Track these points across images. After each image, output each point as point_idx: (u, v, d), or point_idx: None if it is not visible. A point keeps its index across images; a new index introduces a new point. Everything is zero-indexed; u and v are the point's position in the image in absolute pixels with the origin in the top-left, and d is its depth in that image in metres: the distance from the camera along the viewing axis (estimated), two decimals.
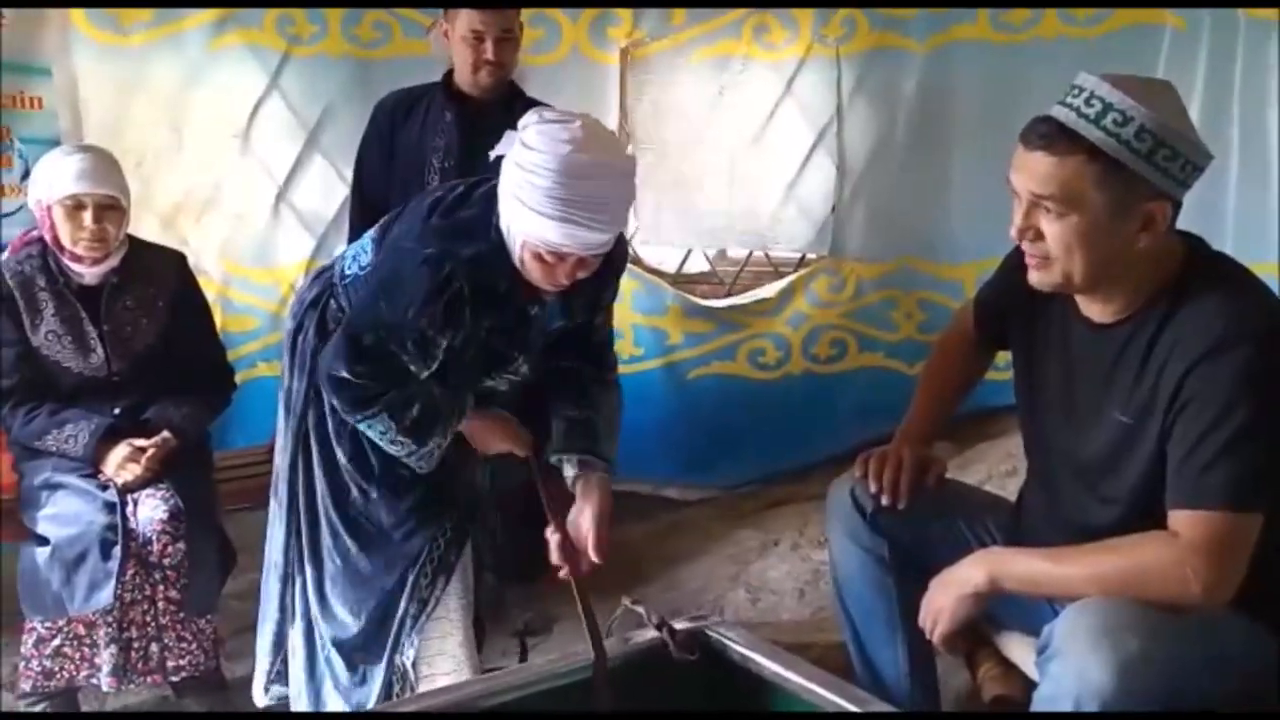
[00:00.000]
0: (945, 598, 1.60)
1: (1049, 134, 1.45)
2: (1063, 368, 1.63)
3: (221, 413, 2.62)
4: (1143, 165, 1.42)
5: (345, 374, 1.81)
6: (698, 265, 3.97)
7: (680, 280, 3.88)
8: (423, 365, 1.82)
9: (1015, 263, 1.65)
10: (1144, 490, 1.50)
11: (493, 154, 1.75)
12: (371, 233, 1.98)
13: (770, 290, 3.80)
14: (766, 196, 3.78)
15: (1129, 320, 1.54)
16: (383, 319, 1.79)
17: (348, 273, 1.98)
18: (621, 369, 3.63)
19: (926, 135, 3.68)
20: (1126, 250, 1.47)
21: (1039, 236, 1.50)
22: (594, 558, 1.89)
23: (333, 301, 1.99)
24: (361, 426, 1.88)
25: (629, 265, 3.69)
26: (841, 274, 3.77)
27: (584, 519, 1.91)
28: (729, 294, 3.87)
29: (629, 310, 3.70)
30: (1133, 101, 1.41)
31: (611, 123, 3.60)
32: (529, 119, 1.72)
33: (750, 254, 3.91)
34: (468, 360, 1.85)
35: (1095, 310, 1.58)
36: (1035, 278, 1.55)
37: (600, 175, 1.68)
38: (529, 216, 1.69)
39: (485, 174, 1.85)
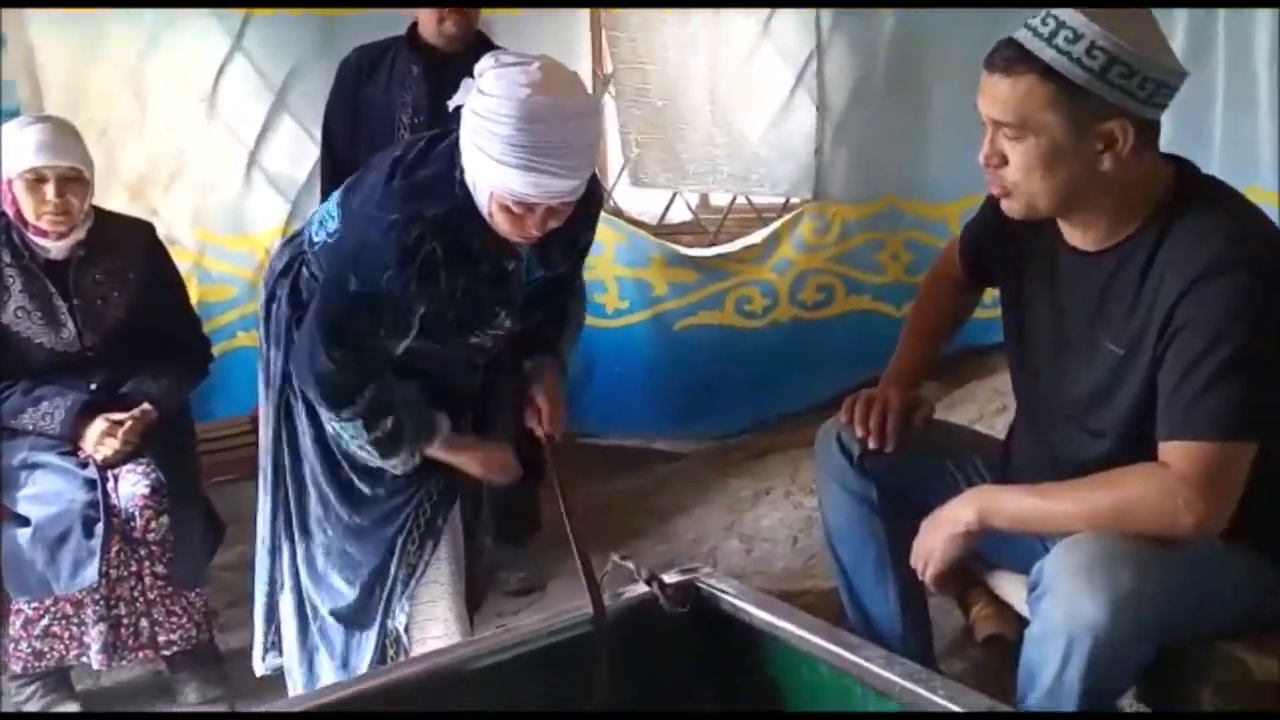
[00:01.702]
0: (935, 538, 1.58)
1: (1009, 57, 1.42)
2: (1051, 299, 1.60)
3: (199, 383, 2.58)
4: (1096, 83, 1.38)
5: (323, 361, 1.77)
6: (681, 215, 3.91)
7: (663, 230, 3.83)
8: (400, 337, 1.77)
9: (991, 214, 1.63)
10: (1136, 422, 1.48)
11: (452, 103, 1.69)
12: (336, 196, 1.93)
13: (756, 237, 3.76)
14: (748, 139, 3.72)
15: (1118, 248, 1.50)
16: (355, 293, 1.74)
17: (316, 239, 1.93)
18: (608, 322, 3.70)
19: (907, 73, 3.62)
20: (1090, 172, 1.44)
21: (1004, 163, 1.47)
22: (548, 429, 1.94)
23: (304, 269, 1.94)
24: (333, 426, 1.86)
25: (611, 217, 3.69)
26: (826, 217, 3.72)
27: (546, 394, 1.97)
28: (714, 242, 3.82)
29: (612, 263, 3.66)
30: (1084, 19, 1.37)
31: (585, 69, 3.53)
32: (485, 64, 1.66)
33: (734, 200, 3.86)
34: (449, 322, 1.81)
35: (1080, 238, 1.54)
36: (1005, 206, 1.53)
37: (562, 118, 1.63)
38: (492, 167, 1.64)
39: (453, 127, 1.80)
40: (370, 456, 1.88)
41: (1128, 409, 1.49)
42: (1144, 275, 1.46)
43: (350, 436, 1.85)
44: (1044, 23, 1.40)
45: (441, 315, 1.78)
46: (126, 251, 2.45)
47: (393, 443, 1.86)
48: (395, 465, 1.90)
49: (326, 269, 1.86)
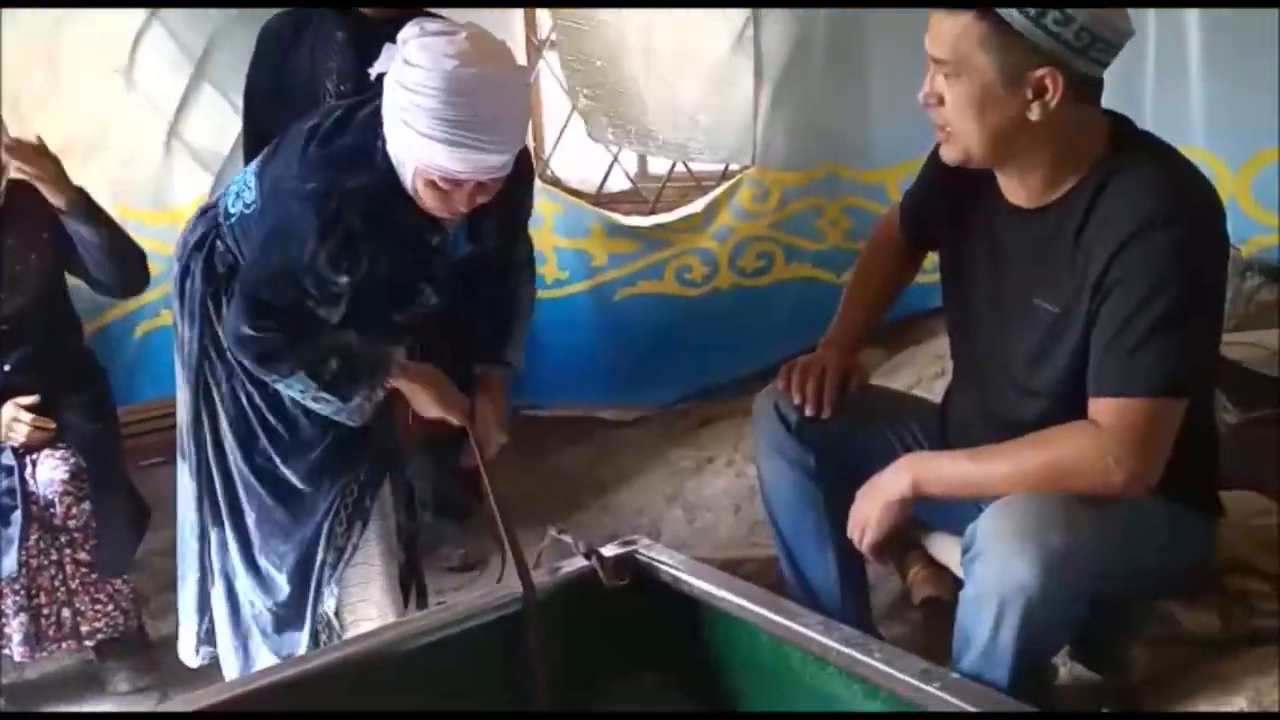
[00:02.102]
0: (871, 506, 1.58)
1: None
2: (990, 257, 1.59)
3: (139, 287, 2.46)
4: (1030, 27, 1.37)
5: (248, 330, 1.71)
6: (619, 184, 3.87)
7: (602, 200, 3.78)
8: (330, 308, 1.72)
9: (935, 154, 1.61)
10: (1072, 382, 1.47)
11: (374, 70, 1.63)
12: (252, 166, 1.86)
13: (695, 206, 3.72)
14: (685, 105, 3.67)
15: (1055, 205, 1.49)
16: (277, 268, 1.68)
17: (232, 211, 1.86)
18: (547, 293, 3.65)
19: (847, 38, 3.58)
20: (1019, 120, 1.42)
21: (940, 103, 1.46)
22: (502, 439, 1.91)
23: (219, 243, 1.87)
24: (280, 387, 1.79)
25: (550, 188, 3.64)
26: (765, 184, 3.69)
27: (488, 411, 1.92)
28: (653, 211, 3.78)
29: (551, 234, 3.61)
30: None
31: (519, 36, 3.46)
32: (409, 32, 1.60)
33: (673, 168, 3.82)
34: (370, 297, 1.75)
35: (1017, 194, 1.53)
36: (943, 152, 1.52)
37: (491, 91, 1.57)
38: (418, 142, 1.58)
39: (373, 95, 1.74)
40: (327, 407, 1.79)
41: (1064, 368, 1.48)
42: (1079, 232, 1.45)
43: (300, 392, 1.78)
44: None
45: (363, 291, 1.72)
46: (40, 214, 2.32)
47: (348, 382, 1.78)
48: (357, 409, 1.81)
49: (250, 243, 1.79)
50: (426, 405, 1.85)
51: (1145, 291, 1.38)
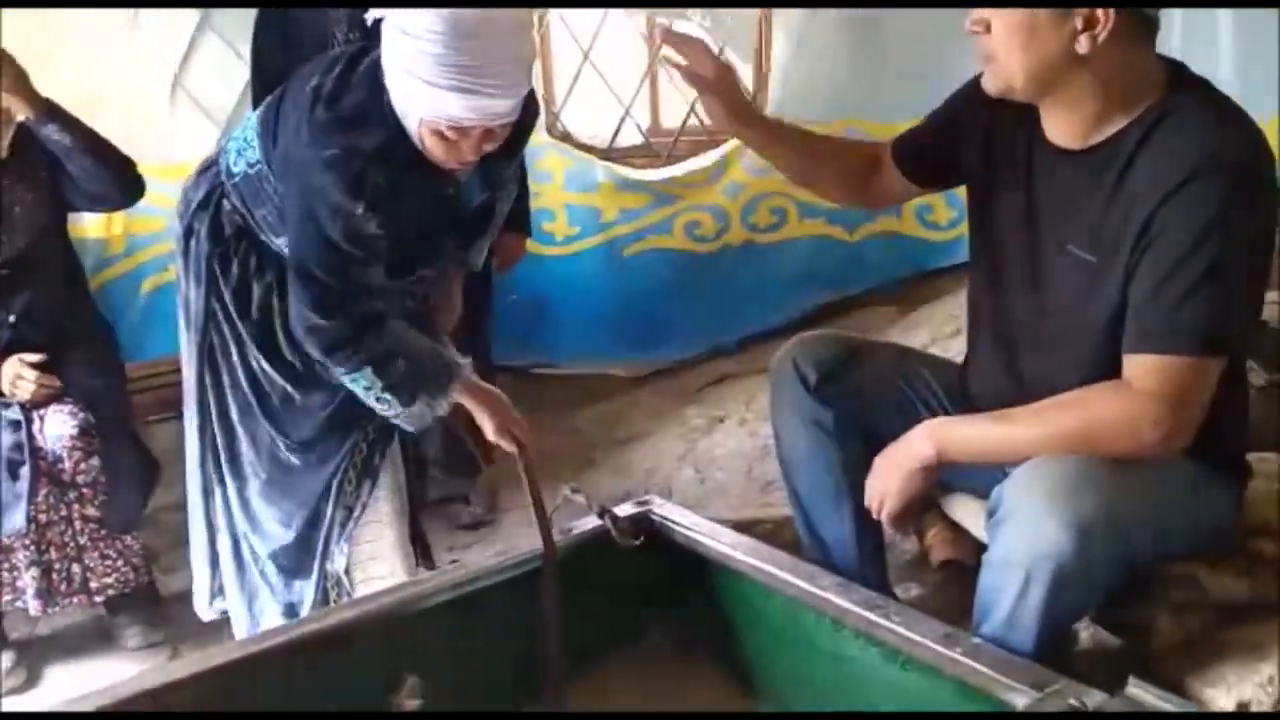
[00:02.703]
0: (891, 475, 1.53)
1: None
2: (1025, 200, 1.53)
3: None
4: None
5: (316, 319, 1.68)
6: (632, 138, 3.81)
7: (613, 154, 3.72)
8: (375, 266, 1.68)
9: (967, 90, 1.56)
10: (1105, 336, 1.42)
11: (370, 16, 1.58)
12: (253, 124, 1.81)
13: (707, 159, 3.67)
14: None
15: (1099, 149, 1.44)
16: (318, 241, 1.64)
17: (235, 169, 1.81)
18: (557, 250, 3.61)
19: (860, 31, 3.51)
20: (1066, 53, 1.37)
21: (988, 30, 1.42)
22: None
23: (225, 201, 1.83)
24: (346, 381, 1.75)
25: (560, 143, 3.58)
26: None
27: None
28: (666, 165, 3.72)
29: (561, 189, 3.57)
30: None
31: None
32: None
33: (685, 122, 3.76)
34: (397, 252, 1.71)
35: (1060, 133, 1.48)
36: (985, 81, 1.47)
37: (495, 31, 1.52)
38: (423, 90, 1.53)
39: (371, 44, 1.68)
40: (389, 409, 1.77)
41: (1097, 322, 1.43)
42: (1122, 178, 1.40)
43: (365, 388, 1.75)
44: None
45: (391, 246, 1.68)
46: (34, 153, 2.27)
47: (412, 386, 1.74)
48: (418, 415, 1.78)
49: (288, 229, 1.73)
50: (488, 427, 1.81)
51: (1189, 244, 1.33)
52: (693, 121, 3.73)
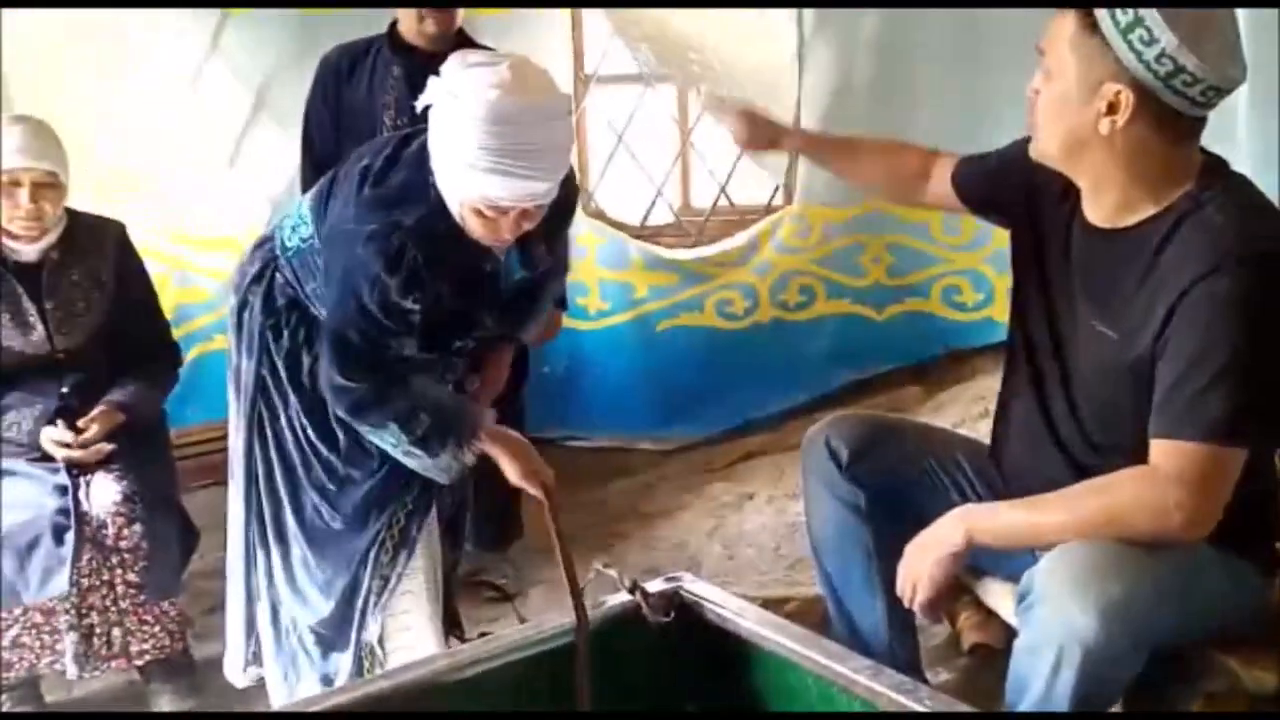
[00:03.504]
0: (923, 562, 1.54)
1: None
2: (1060, 271, 1.58)
3: (170, 388, 2.53)
4: (1115, 35, 1.37)
5: (341, 380, 1.75)
6: (663, 216, 3.89)
7: (645, 232, 3.81)
8: (409, 339, 1.75)
9: (1025, 147, 1.61)
10: (1130, 410, 1.46)
11: (419, 103, 1.66)
12: (307, 200, 1.89)
13: (737, 239, 3.74)
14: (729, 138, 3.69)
15: (1129, 231, 1.48)
16: (354, 311, 1.71)
17: (289, 244, 1.89)
18: (589, 324, 3.68)
19: (890, 76, 3.60)
20: (1089, 132, 1.43)
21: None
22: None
23: (278, 275, 1.90)
24: (373, 438, 1.82)
25: (593, 220, 3.67)
26: (807, 220, 3.71)
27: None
28: (696, 244, 3.80)
29: (594, 265, 3.64)
30: None
31: (566, 71, 3.50)
32: (452, 63, 1.63)
33: (715, 202, 3.84)
34: (433, 326, 1.77)
35: (1093, 210, 1.53)
36: (1030, 147, 1.55)
37: (533, 120, 1.59)
38: (463, 171, 1.61)
39: (423, 127, 1.76)
40: (416, 462, 1.83)
41: (1121, 396, 1.47)
42: (1150, 266, 1.44)
43: (392, 445, 1.81)
44: None
45: (428, 321, 1.74)
46: (101, 252, 2.40)
47: (438, 437, 1.80)
48: (446, 467, 1.84)
49: (313, 279, 1.81)
50: (512, 473, 1.85)
51: (1210, 337, 1.36)
52: (723, 202, 3.82)
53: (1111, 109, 1.41)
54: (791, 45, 3.57)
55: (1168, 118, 1.41)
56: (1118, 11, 1.37)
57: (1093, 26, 1.39)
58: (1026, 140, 1.63)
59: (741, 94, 3.56)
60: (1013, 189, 1.68)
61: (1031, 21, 1.57)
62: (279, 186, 3.26)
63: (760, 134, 2.00)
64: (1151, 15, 1.35)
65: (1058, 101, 1.45)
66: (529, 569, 2.81)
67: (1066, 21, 1.43)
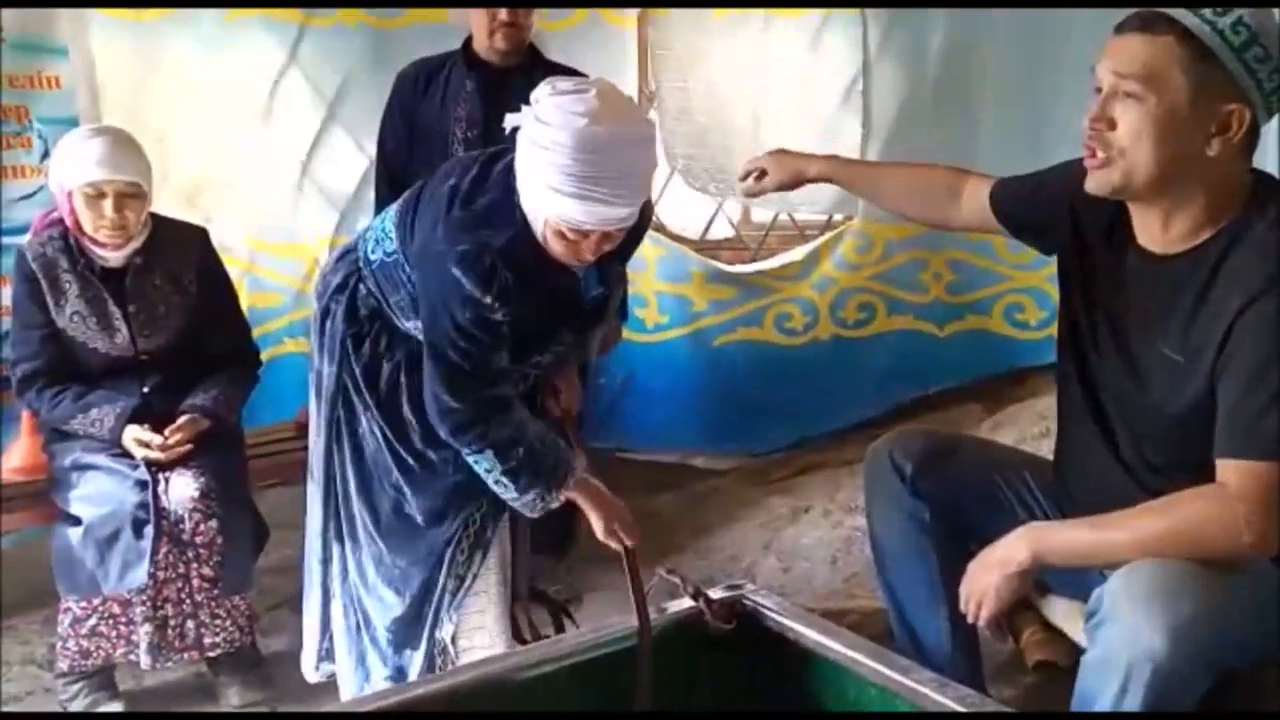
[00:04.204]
0: (988, 579, 1.54)
1: (1147, 18, 1.42)
2: (1114, 302, 1.58)
3: (251, 390, 2.61)
4: (1232, 58, 1.37)
5: (450, 401, 1.79)
6: (723, 230, 3.92)
7: (705, 246, 3.83)
8: (502, 351, 1.79)
9: (1066, 173, 1.59)
10: (1198, 428, 1.45)
11: (508, 124, 1.70)
12: (392, 215, 1.94)
13: (797, 254, 3.75)
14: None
15: (1185, 255, 1.48)
16: (451, 329, 1.75)
17: (372, 257, 1.94)
18: (647, 337, 3.70)
19: (954, 92, 3.61)
20: (1196, 153, 1.42)
21: (1111, 127, 1.45)
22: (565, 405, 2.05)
23: (361, 286, 1.96)
24: (470, 460, 1.86)
25: (653, 233, 3.69)
26: (869, 235, 3.71)
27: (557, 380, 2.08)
28: (755, 259, 3.82)
29: (653, 278, 3.67)
30: None
31: (631, 85, 3.55)
32: (542, 91, 1.67)
33: (776, 217, 3.86)
34: (518, 341, 1.82)
35: (1149, 237, 1.53)
36: (1093, 181, 1.49)
37: (619, 147, 1.63)
38: (548, 195, 1.65)
39: (508, 146, 1.81)
40: (505, 491, 1.87)
41: (1188, 415, 1.47)
42: (1206, 288, 1.45)
43: (486, 470, 1.85)
44: None
45: (514, 338, 1.79)
46: (184, 257, 2.48)
47: (527, 476, 1.84)
48: (531, 503, 1.88)
49: (422, 315, 1.85)
50: (598, 527, 1.90)
51: (1265, 358, 1.37)
52: (783, 217, 3.84)
53: (1223, 128, 1.40)
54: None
55: (1254, 134, 1.43)
56: (1228, 30, 1.36)
57: (1203, 49, 1.38)
58: (1068, 165, 1.62)
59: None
60: (1056, 213, 1.68)
61: (1098, 29, 1.54)
62: (347, 195, 3.34)
63: (787, 168, 1.98)
64: (1264, 29, 1.36)
65: (1162, 122, 1.41)
66: (585, 575, 2.84)
67: (1166, 43, 1.40)
